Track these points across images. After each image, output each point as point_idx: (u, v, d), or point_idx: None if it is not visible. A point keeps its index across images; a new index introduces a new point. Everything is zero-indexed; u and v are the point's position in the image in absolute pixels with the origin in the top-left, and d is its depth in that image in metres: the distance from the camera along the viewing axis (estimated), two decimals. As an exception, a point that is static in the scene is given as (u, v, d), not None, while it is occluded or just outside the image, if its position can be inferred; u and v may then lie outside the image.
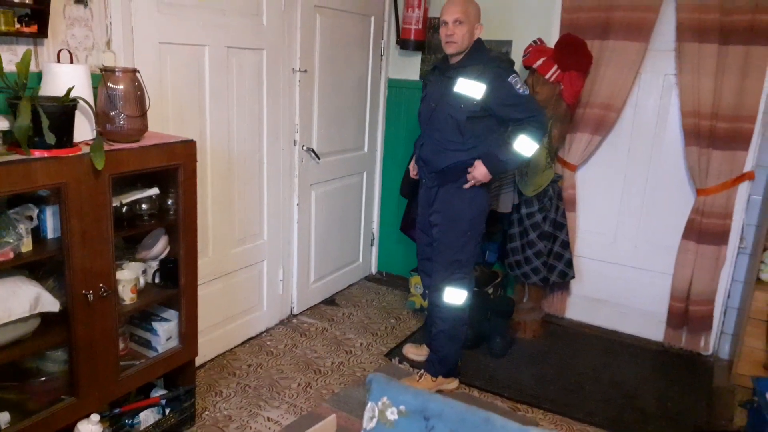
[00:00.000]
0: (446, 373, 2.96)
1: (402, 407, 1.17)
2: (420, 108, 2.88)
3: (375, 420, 1.20)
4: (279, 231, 3.43)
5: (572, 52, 3.22)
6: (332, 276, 3.97)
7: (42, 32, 2.07)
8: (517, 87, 2.62)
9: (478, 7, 2.69)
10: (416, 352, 3.26)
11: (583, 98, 3.40)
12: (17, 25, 2.01)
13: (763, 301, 2.97)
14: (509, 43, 3.73)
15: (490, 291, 3.66)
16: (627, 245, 3.64)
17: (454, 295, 2.81)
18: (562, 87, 3.21)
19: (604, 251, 3.70)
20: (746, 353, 3.04)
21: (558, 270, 3.52)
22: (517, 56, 3.66)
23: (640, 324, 3.64)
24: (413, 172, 3.07)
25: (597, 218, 3.69)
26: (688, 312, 3.39)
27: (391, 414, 1.17)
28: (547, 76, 3.22)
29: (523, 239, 3.49)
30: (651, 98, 3.43)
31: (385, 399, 1.19)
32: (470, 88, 2.62)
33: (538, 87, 3.27)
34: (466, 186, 2.72)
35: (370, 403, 1.22)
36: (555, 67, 3.22)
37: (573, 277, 3.55)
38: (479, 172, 2.67)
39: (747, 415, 2.65)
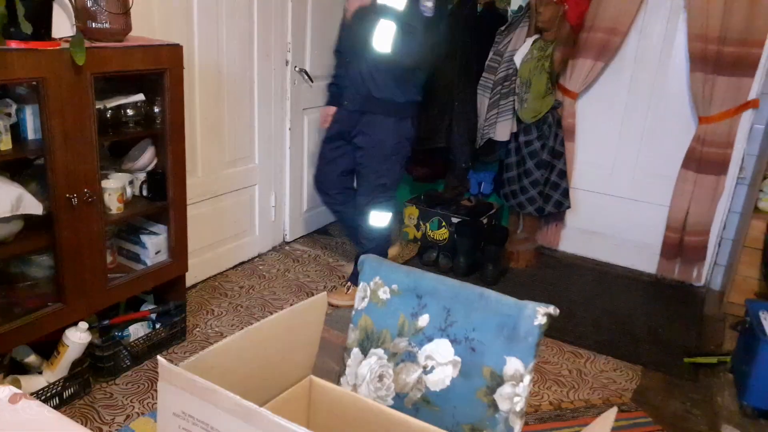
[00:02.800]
0: None
1: (394, 286, 1.14)
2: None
3: (366, 300, 1.16)
4: (271, 156, 3.35)
5: (578, -29, 3.08)
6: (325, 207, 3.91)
7: None
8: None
9: None
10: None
11: (587, 21, 3.28)
12: None
13: (759, 230, 2.94)
14: (512, -37, 3.57)
15: (485, 221, 3.63)
16: (625, 176, 3.59)
17: (379, 218, 2.90)
18: (567, 7, 3.09)
19: (601, 183, 3.65)
20: (739, 282, 3.04)
21: (554, 200, 3.48)
22: (520, -23, 3.51)
23: (634, 256, 3.63)
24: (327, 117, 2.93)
25: (595, 149, 3.62)
26: (682, 243, 3.37)
27: (383, 293, 1.14)
28: (550, -4, 3.09)
29: (520, 168, 3.44)
30: (658, 22, 3.31)
31: (377, 279, 1.15)
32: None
33: (541, 7, 3.14)
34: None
35: (362, 284, 1.18)
36: (559, -14, 3.09)
37: (569, 207, 3.52)
38: None
39: (738, 338, 2.66)
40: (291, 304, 2.88)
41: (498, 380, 1.03)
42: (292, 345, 1.05)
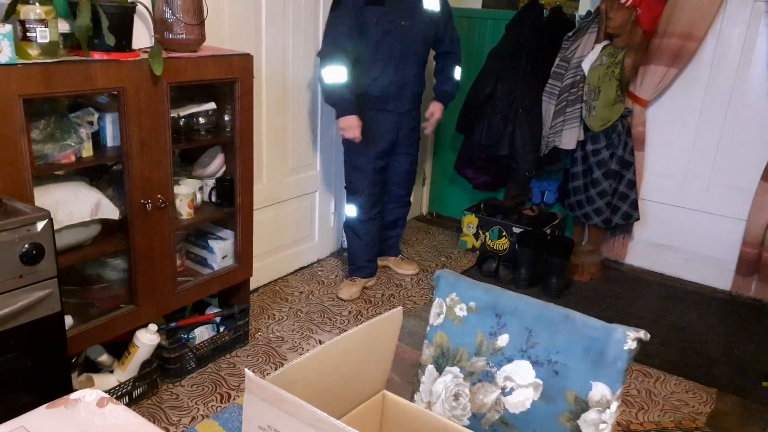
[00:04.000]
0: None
1: (472, 303, 1.10)
2: (380, 28, 2.68)
3: (443, 316, 1.14)
4: (332, 164, 3.37)
5: (652, -26, 2.97)
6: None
7: (100, -65, 2.01)
8: None
9: None
10: (352, 291, 3.08)
11: (661, 26, 3.15)
12: (75, -74, 1.96)
13: None
14: (581, -32, 3.48)
15: (548, 231, 3.53)
16: (698, 188, 3.43)
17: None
18: (639, 12, 2.98)
19: (672, 194, 3.50)
20: (825, 303, 2.85)
21: (622, 211, 3.36)
22: (588, -19, 3.42)
23: (706, 271, 3.46)
24: (358, 129, 2.78)
25: (667, 159, 3.47)
26: (761, 259, 3.19)
27: (460, 310, 1.11)
28: (622, 0, 2.99)
29: (587, 178, 3.33)
30: (737, 26, 3.15)
31: (453, 295, 1.12)
32: (432, 3, 2.77)
33: (612, 12, 3.04)
34: (430, 131, 3.17)
35: (437, 299, 1.15)
36: (632, -10, 2.98)
37: (638, 219, 3.39)
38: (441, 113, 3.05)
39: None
40: (349, 312, 2.90)
41: (583, 405, 0.99)
42: (367, 360, 1.04)
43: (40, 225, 1.42)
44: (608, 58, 3.12)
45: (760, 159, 3.15)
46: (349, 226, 3.10)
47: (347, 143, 2.93)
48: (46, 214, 1.43)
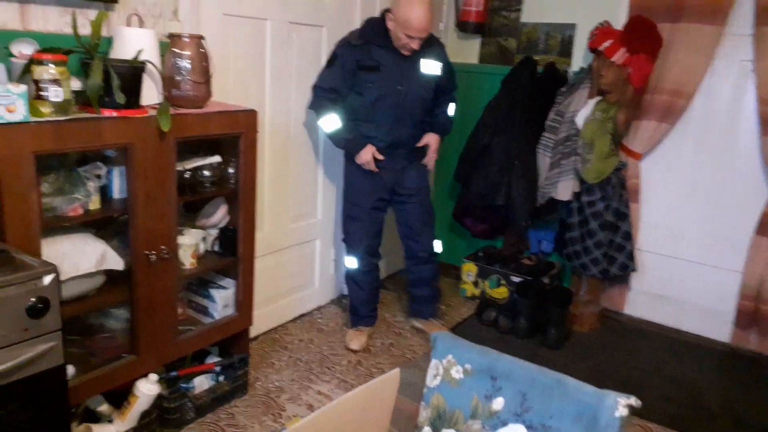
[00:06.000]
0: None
1: (468, 366, 1.13)
2: (373, 93, 2.74)
3: (439, 378, 1.16)
4: (333, 211, 3.43)
5: (642, 35, 3.09)
6: (382, 260, 3.92)
7: (114, -2, 2.12)
8: None
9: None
10: (361, 341, 3.07)
11: (651, 83, 3.26)
12: (92, -10, 2.06)
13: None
14: (573, 26, 3.62)
15: (546, 281, 3.56)
16: (693, 239, 3.47)
17: (438, 244, 3.17)
18: (630, 70, 3.09)
19: (668, 245, 3.54)
20: (822, 356, 2.85)
21: (619, 262, 3.39)
22: (580, 40, 3.55)
23: (705, 323, 3.47)
24: (372, 159, 2.84)
25: (662, 210, 3.53)
26: (759, 312, 3.20)
27: (456, 372, 1.13)
28: (613, 59, 3.10)
29: (583, 228, 3.38)
30: (725, 85, 3.26)
31: (450, 357, 1.15)
32: (433, 68, 2.84)
33: (604, 70, 3.15)
34: (432, 164, 3.06)
35: (434, 361, 1.18)
36: (623, 49, 3.10)
37: (635, 269, 3.42)
38: (437, 144, 3.01)
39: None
40: (348, 361, 2.90)
41: (575, 469, 1.00)
42: (364, 423, 1.06)
43: (47, 279, 1.45)
44: (601, 113, 3.22)
45: (753, 212, 3.20)
46: (350, 277, 3.12)
47: (345, 192, 3.03)
48: (53, 269, 1.47)
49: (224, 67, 2.59)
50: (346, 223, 3.06)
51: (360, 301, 3.11)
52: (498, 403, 1.09)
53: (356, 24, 3.25)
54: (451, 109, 3.07)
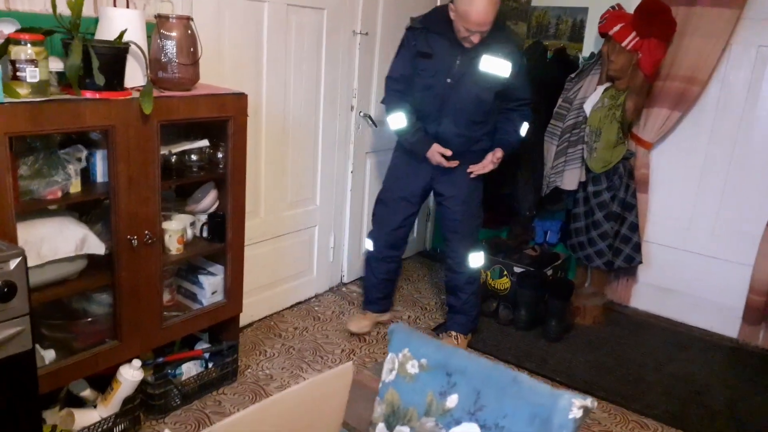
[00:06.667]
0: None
1: (423, 360, 1.08)
2: (423, 81, 2.60)
3: (394, 372, 1.11)
4: (332, 198, 3.38)
5: (654, 19, 2.97)
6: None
7: (101, -23, 2.08)
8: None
9: None
10: (362, 324, 3.06)
11: (664, 69, 3.14)
12: (76, -31, 2.02)
13: None
14: (585, 10, 3.51)
15: (549, 272, 3.48)
16: (703, 232, 3.36)
17: (478, 258, 2.93)
18: (640, 56, 2.97)
19: (678, 237, 3.44)
20: (834, 356, 2.74)
21: (624, 254, 3.30)
22: (592, 24, 3.43)
23: (712, 317, 3.37)
24: (446, 153, 2.65)
25: (671, 201, 3.42)
26: (768, 307, 3.10)
27: (412, 367, 1.08)
28: (623, 44, 2.99)
29: (588, 219, 3.29)
30: (741, 72, 3.13)
31: (406, 351, 1.10)
32: (497, 67, 2.56)
33: (614, 55, 3.05)
34: (475, 173, 2.71)
35: (390, 354, 1.13)
36: (633, 33, 2.99)
37: (640, 262, 3.33)
38: (498, 163, 2.69)
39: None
40: (342, 350, 2.87)
41: (531, 472, 0.95)
42: (313, 418, 1.02)
43: (13, 263, 1.43)
44: (610, 100, 3.11)
45: (767, 204, 3.08)
46: (366, 259, 3.08)
47: (385, 175, 2.94)
48: (19, 252, 1.45)
49: (219, 50, 2.55)
50: (375, 204, 2.98)
51: (370, 285, 3.08)
52: (452, 401, 1.03)
53: (359, 5, 3.19)
54: (524, 129, 2.73)
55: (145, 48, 2.03)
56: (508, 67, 2.57)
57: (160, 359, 2.32)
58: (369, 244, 3.01)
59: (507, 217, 3.75)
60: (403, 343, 1.11)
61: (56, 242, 1.83)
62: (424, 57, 2.60)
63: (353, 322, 3.04)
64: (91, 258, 1.98)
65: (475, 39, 2.48)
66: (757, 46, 3.07)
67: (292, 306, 3.27)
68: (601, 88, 3.17)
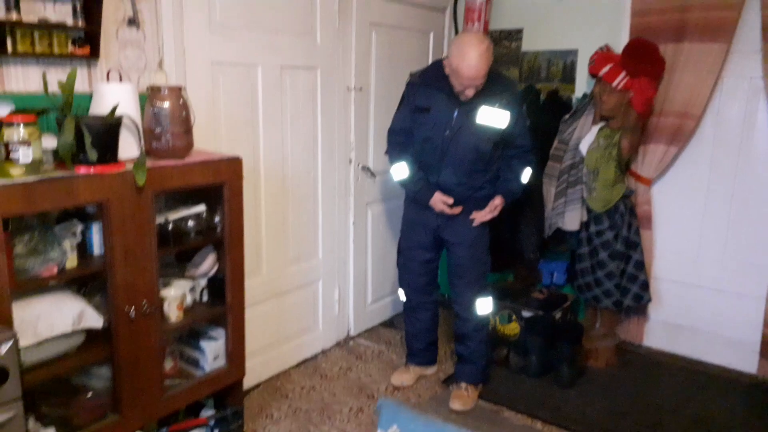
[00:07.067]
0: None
1: (416, 438, 1.04)
2: (422, 133, 2.66)
3: (387, 451, 1.08)
4: (334, 250, 3.37)
5: (641, 58, 3.00)
6: (391, 297, 3.85)
7: (94, 54, 2.14)
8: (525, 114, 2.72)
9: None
10: (404, 378, 3.07)
11: (657, 106, 3.15)
12: (71, 48, 2.08)
13: None
14: (575, 52, 3.55)
15: (558, 315, 3.42)
16: (712, 265, 3.31)
17: (486, 305, 2.89)
18: (632, 94, 2.99)
19: (686, 272, 3.38)
20: None
21: (632, 293, 3.24)
22: (583, 65, 3.47)
23: (729, 354, 3.28)
24: (448, 201, 2.69)
25: (677, 236, 3.38)
26: (785, 341, 3.02)
27: (404, 445, 1.05)
28: (614, 84, 3.01)
29: (593, 259, 3.25)
30: (735, 104, 3.13)
31: (395, 427, 1.06)
32: (495, 118, 2.60)
33: (605, 95, 3.06)
34: (477, 221, 2.74)
35: (378, 431, 1.09)
36: (623, 73, 3.01)
37: (649, 300, 3.26)
38: (499, 209, 2.73)
39: None
40: (350, 408, 2.80)
41: None
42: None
43: (5, 347, 1.42)
44: (605, 139, 3.12)
45: (774, 235, 3.04)
46: (403, 310, 3.11)
47: (402, 223, 2.98)
48: (10, 335, 1.44)
49: (214, 115, 2.59)
50: (397, 254, 3.02)
51: (410, 335, 3.10)
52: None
53: (351, 63, 3.25)
54: (526, 175, 2.76)
55: (138, 119, 2.07)
56: (507, 117, 2.60)
57: (164, 429, 2.28)
58: (401, 294, 3.05)
59: (512, 259, 3.72)
60: (392, 419, 1.08)
61: (53, 319, 1.83)
62: (423, 111, 2.66)
63: (396, 375, 3.07)
64: (90, 331, 1.97)
65: (470, 93, 2.53)
66: (749, 78, 3.08)
67: (298, 364, 3.22)
68: (595, 128, 3.18)
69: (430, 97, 2.64)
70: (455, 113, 2.60)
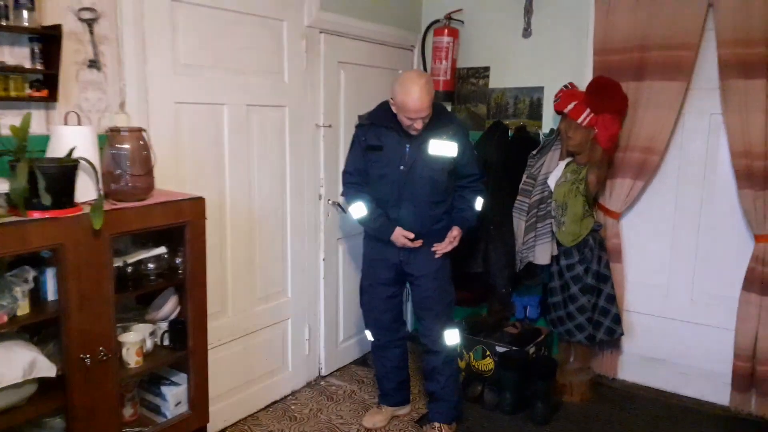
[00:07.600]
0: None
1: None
2: (377, 171, 2.71)
3: None
4: (304, 288, 3.33)
5: (604, 95, 3.06)
6: (364, 334, 3.78)
7: (53, 97, 2.11)
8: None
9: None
10: (376, 419, 3.02)
11: (622, 141, 3.20)
12: (28, 91, 2.05)
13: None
14: (541, 89, 3.61)
15: (532, 350, 3.39)
16: (682, 298, 3.32)
17: (453, 335, 2.87)
18: (597, 131, 3.04)
19: (658, 305, 3.40)
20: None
21: (605, 326, 3.24)
22: (549, 102, 3.52)
23: (702, 386, 3.28)
24: (409, 236, 2.70)
25: (647, 269, 3.40)
26: (755, 373, 3.02)
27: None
28: (579, 120, 3.06)
29: (565, 293, 3.25)
30: (697, 139, 3.20)
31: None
32: (444, 148, 2.68)
33: (571, 132, 3.11)
34: (440, 253, 2.75)
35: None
36: (588, 110, 3.06)
37: (621, 334, 3.26)
38: (458, 239, 2.76)
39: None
40: (315, 458, 2.73)
41: None
42: None
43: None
44: (572, 174, 3.15)
45: (740, 267, 3.07)
46: (371, 350, 3.08)
47: (362, 261, 2.98)
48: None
49: (178, 154, 2.57)
50: (359, 293, 3.01)
51: (380, 375, 3.06)
52: None
53: (320, 101, 3.26)
54: (479, 203, 2.82)
55: (97, 162, 2.03)
56: (455, 147, 2.69)
57: (122, 481, 2.19)
58: (368, 334, 3.03)
59: (485, 294, 3.70)
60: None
61: (1, 369, 1.75)
62: (375, 150, 2.71)
63: (368, 417, 3.01)
64: (42, 381, 1.89)
65: (418, 125, 2.59)
66: (710, 114, 3.15)
67: (267, 406, 3.14)
68: (562, 163, 3.22)
69: (380, 136, 2.71)
70: (407, 148, 2.66)
